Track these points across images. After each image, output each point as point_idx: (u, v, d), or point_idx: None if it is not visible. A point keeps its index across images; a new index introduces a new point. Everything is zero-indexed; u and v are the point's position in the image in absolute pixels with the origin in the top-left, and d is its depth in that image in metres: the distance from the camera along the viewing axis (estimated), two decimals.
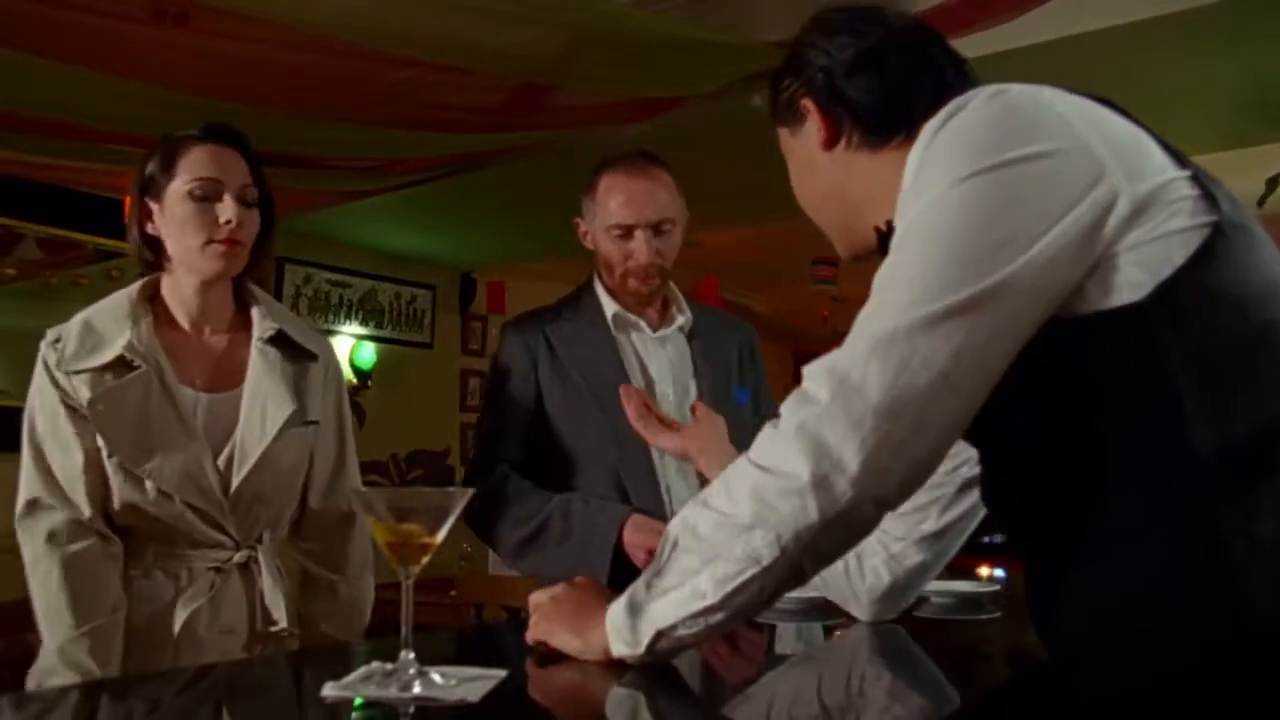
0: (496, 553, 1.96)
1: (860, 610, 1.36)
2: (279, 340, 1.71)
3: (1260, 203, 3.85)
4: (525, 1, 2.80)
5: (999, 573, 3.11)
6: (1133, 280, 0.83)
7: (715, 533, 0.95)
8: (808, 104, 1.10)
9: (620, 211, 1.87)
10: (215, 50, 2.89)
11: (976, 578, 1.74)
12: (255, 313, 1.73)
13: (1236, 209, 0.87)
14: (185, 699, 1.08)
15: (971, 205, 0.85)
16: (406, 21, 2.82)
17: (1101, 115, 0.89)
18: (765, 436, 0.93)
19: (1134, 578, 0.84)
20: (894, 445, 0.85)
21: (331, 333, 5.77)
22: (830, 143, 1.09)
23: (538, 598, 1.17)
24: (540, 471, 1.90)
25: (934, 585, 1.58)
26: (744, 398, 2.01)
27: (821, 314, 7.69)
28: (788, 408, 0.91)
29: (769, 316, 8.37)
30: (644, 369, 1.93)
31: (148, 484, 1.57)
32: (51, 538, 1.57)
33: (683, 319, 1.98)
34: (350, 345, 5.85)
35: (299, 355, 1.74)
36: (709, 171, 2.85)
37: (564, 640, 1.09)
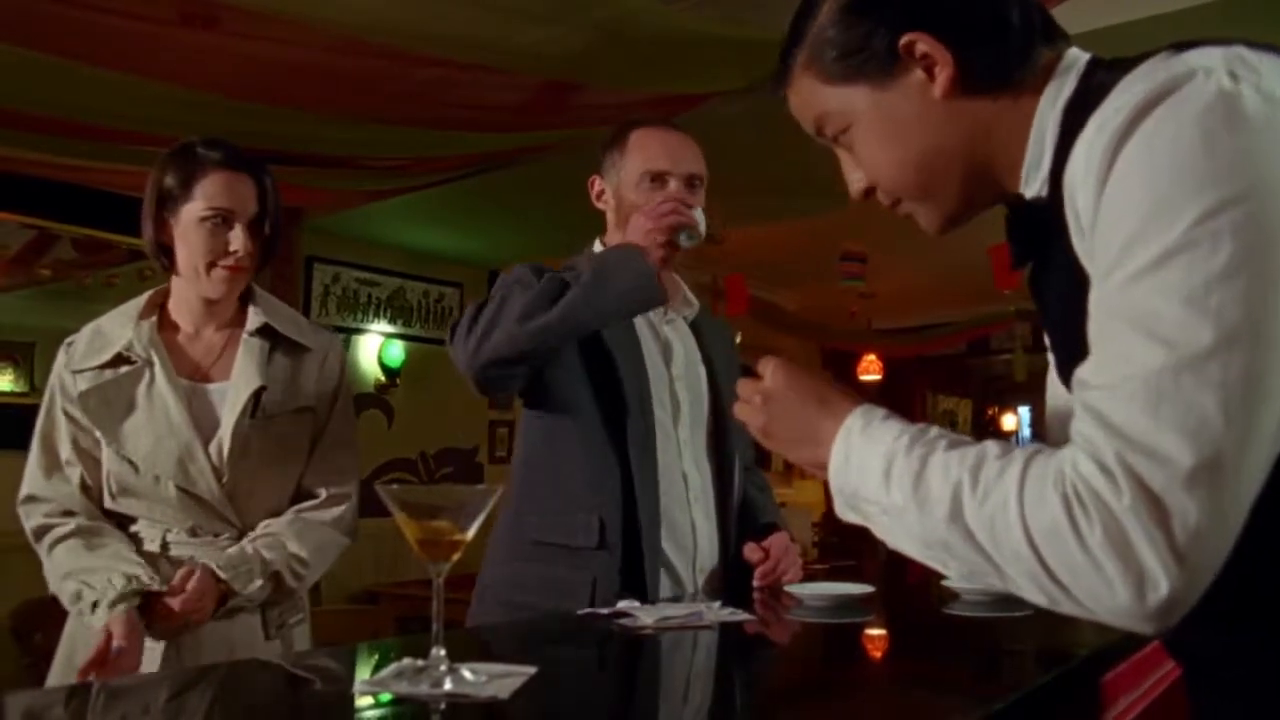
0: (503, 334, 1.70)
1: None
2: (269, 333, 1.77)
3: None
4: None
5: None
6: None
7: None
8: (918, 42, 0.87)
9: (658, 159, 1.83)
10: (243, 52, 2.91)
11: None
12: (251, 309, 1.78)
13: None
14: (217, 694, 1.10)
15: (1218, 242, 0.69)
16: (432, 21, 2.83)
17: None
18: (1076, 552, 0.70)
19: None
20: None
21: (360, 331, 5.81)
22: (955, 82, 0.87)
23: (763, 385, 0.97)
24: (542, 437, 1.84)
25: (965, 583, 1.57)
26: None
27: (850, 310, 7.64)
28: (1091, 513, 0.70)
29: (797, 313, 8.34)
30: (660, 348, 1.88)
31: (141, 470, 1.64)
32: (40, 531, 1.66)
33: (691, 308, 1.96)
34: (379, 343, 5.89)
35: (295, 347, 1.79)
36: (733, 168, 2.84)
37: (788, 447, 0.94)
